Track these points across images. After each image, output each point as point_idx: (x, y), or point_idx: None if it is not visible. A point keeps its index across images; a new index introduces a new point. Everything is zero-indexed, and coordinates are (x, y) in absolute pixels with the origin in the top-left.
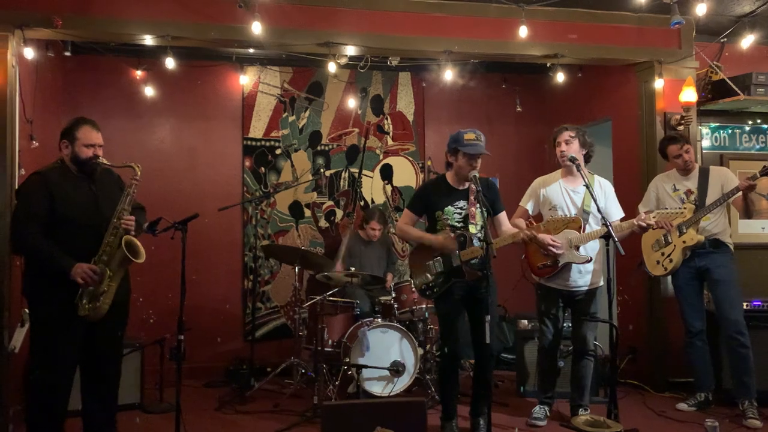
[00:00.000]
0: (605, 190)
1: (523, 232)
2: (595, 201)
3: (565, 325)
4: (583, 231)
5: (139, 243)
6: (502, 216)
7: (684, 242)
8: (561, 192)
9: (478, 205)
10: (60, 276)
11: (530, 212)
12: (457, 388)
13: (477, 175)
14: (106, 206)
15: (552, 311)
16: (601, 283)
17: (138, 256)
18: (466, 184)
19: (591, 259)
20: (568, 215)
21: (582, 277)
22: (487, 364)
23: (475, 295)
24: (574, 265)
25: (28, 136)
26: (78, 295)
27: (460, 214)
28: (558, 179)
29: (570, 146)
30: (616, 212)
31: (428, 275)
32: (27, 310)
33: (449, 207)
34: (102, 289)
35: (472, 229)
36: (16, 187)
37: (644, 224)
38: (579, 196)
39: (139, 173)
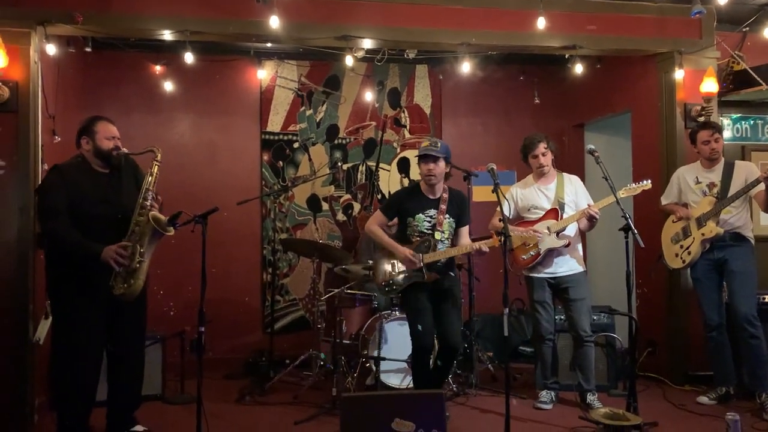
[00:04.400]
0: (575, 184)
1: (486, 243)
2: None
3: (558, 318)
4: (560, 218)
5: (165, 218)
6: (464, 230)
7: (703, 235)
8: (536, 193)
9: (447, 216)
10: (83, 269)
11: (509, 216)
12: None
13: (493, 167)
14: (124, 197)
15: (543, 299)
16: (583, 268)
17: (168, 229)
18: (437, 194)
19: (570, 243)
20: (548, 208)
21: (565, 262)
22: (451, 358)
23: (444, 294)
24: (555, 251)
25: (51, 131)
26: (112, 276)
27: (429, 222)
28: (532, 183)
29: (546, 157)
30: (585, 203)
31: (390, 273)
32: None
33: (420, 214)
34: (134, 265)
35: (438, 235)
36: (40, 182)
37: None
38: (552, 191)
39: (159, 155)
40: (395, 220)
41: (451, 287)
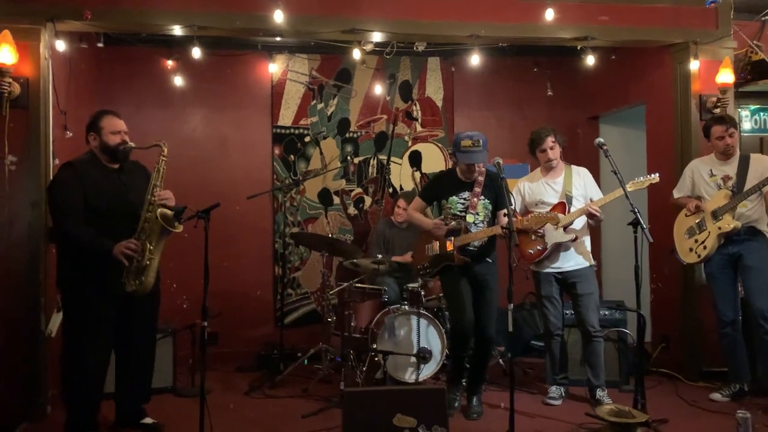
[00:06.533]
0: (583, 177)
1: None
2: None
3: (569, 312)
4: (568, 212)
5: (171, 214)
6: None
7: (719, 228)
8: (544, 186)
9: (482, 197)
10: (94, 263)
11: (518, 212)
12: (464, 362)
13: (500, 162)
14: (134, 195)
15: (550, 294)
16: (591, 263)
17: (176, 226)
18: (473, 177)
19: (577, 238)
20: (555, 202)
21: (572, 257)
22: (485, 350)
23: (479, 282)
24: (562, 246)
25: (62, 126)
26: (123, 273)
27: (463, 204)
28: (540, 177)
29: (554, 150)
30: (595, 194)
31: (425, 257)
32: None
33: (453, 197)
34: (145, 263)
35: (470, 218)
36: (51, 176)
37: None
38: (559, 185)
39: (166, 150)
40: None
41: (486, 276)
